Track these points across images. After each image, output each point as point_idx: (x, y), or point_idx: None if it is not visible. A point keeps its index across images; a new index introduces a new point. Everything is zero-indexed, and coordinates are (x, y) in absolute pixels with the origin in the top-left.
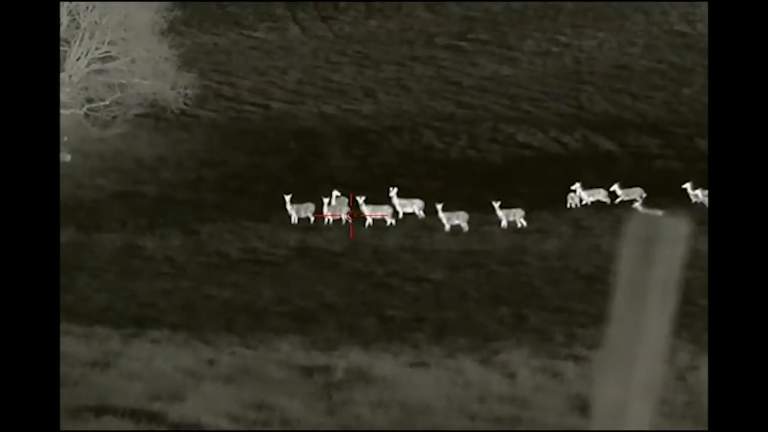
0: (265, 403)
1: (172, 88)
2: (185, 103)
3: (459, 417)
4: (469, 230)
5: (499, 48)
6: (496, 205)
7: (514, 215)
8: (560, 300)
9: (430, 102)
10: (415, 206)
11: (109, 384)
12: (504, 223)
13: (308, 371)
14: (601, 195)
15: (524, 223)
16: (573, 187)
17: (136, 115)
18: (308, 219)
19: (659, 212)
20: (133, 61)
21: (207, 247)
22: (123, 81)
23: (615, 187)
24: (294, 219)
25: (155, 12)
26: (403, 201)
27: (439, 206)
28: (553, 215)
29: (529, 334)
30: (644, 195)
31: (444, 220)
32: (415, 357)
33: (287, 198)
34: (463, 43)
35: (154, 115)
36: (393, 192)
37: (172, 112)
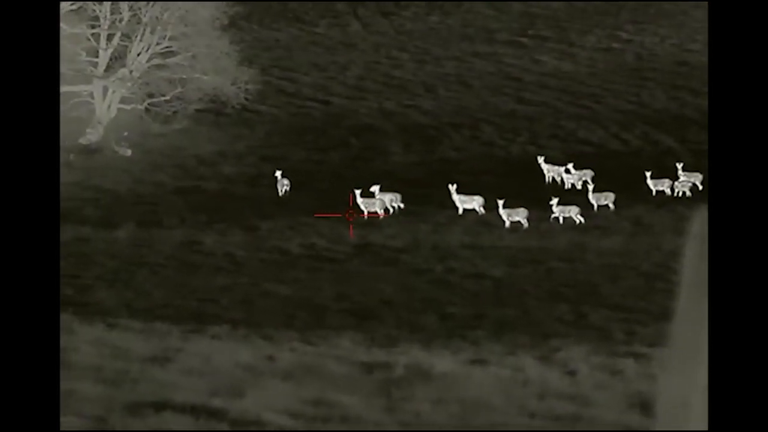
0: (325, 400)
1: (233, 84)
2: (246, 99)
3: (518, 414)
4: (529, 227)
5: (560, 44)
6: (554, 201)
7: (569, 212)
8: (620, 297)
9: (491, 98)
10: (475, 203)
11: (168, 379)
12: (560, 220)
13: (368, 368)
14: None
15: (582, 220)
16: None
17: (197, 111)
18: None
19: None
20: (193, 56)
21: (266, 243)
22: (184, 76)
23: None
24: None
25: (216, 7)
26: (463, 197)
27: (500, 202)
28: (613, 212)
29: (589, 331)
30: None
31: (504, 217)
32: (475, 354)
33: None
34: (523, 39)
35: (215, 111)
36: (452, 188)
37: (232, 107)
